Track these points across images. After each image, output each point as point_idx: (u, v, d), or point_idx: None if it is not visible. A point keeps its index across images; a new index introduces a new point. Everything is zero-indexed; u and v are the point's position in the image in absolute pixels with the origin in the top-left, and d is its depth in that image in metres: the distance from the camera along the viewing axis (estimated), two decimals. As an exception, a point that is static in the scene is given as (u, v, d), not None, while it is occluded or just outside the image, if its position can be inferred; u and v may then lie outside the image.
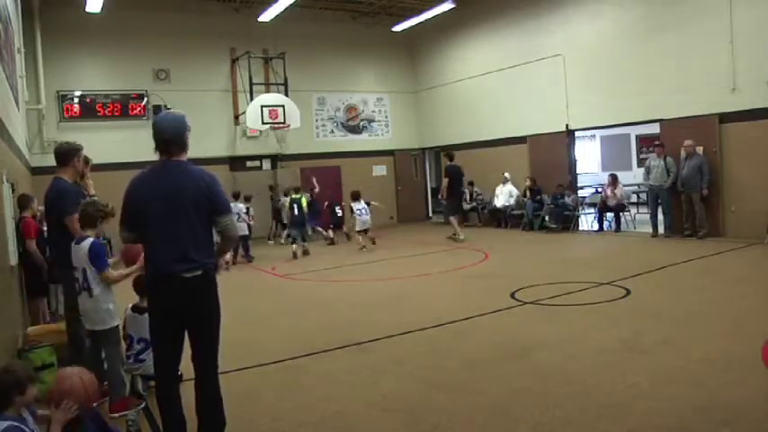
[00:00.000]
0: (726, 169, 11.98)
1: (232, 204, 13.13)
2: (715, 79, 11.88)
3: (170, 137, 3.79)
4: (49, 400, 3.49)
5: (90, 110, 15.61)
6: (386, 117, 20.46)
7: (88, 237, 4.77)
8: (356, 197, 14.32)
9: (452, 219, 14.51)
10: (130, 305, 5.24)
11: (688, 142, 12.16)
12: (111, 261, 4.92)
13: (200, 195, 3.75)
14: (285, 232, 15.30)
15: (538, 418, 4.28)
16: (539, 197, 15.58)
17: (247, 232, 13.19)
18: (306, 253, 13.60)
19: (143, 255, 4.63)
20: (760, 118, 11.25)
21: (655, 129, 13.75)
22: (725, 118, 11.85)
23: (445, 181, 14.48)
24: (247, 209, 13.78)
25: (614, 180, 14.58)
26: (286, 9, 16.05)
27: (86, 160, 5.63)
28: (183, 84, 16.52)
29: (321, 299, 9.11)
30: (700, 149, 12.14)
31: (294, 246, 13.53)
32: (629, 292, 7.94)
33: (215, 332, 3.90)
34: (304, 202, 13.97)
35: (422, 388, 5.03)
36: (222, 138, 17.29)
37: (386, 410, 4.61)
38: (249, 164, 18.01)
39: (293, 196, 14.11)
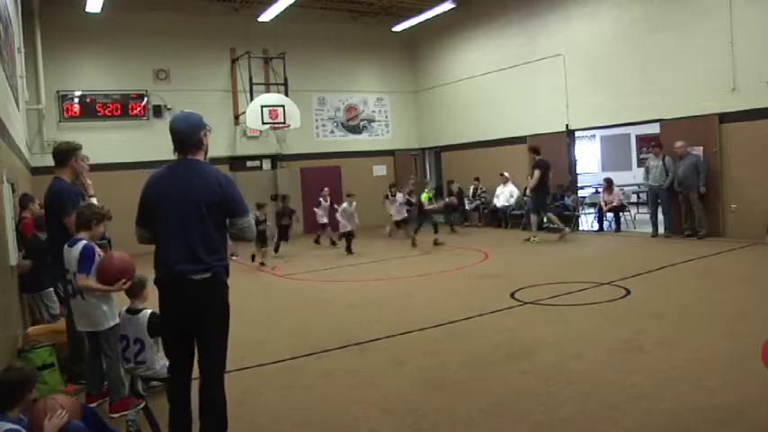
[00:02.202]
0: (726, 169, 11.98)
1: (345, 205, 13.52)
2: (715, 79, 11.88)
3: (182, 136, 3.80)
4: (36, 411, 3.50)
5: (90, 110, 15.60)
6: (386, 117, 20.46)
7: (81, 240, 4.74)
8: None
9: (535, 218, 13.91)
10: (125, 308, 5.23)
11: (679, 144, 12.20)
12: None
13: (212, 196, 3.71)
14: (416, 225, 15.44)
15: (538, 418, 4.29)
16: (539, 196, 15.56)
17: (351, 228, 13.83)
18: (437, 243, 13.82)
19: (120, 282, 4.67)
20: (760, 118, 11.25)
21: (655, 128, 13.75)
22: (725, 118, 11.85)
23: (536, 173, 13.54)
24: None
25: (609, 185, 14.61)
26: (286, 9, 16.05)
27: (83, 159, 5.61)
28: (183, 84, 16.51)
29: (321, 299, 9.11)
30: (699, 149, 12.16)
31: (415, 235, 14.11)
32: (629, 292, 7.95)
33: (221, 336, 3.85)
34: (425, 198, 14.79)
35: (422, 388, 5.03)
36: (222, 138, 17.26)
37: (386, 410, 4.61)
38: (249, 164, 18.00)
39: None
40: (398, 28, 18.95)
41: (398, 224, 15.36)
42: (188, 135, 3.80)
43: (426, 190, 15.03)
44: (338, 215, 13.99)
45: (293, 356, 6.07)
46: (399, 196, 15.39)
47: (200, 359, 3.84)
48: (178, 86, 16.41)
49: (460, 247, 13.03)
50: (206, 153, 3.93)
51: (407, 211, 15.08)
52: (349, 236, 13.62)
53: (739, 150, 11.71)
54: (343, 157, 19.09)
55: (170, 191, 3.73)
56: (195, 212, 3.68)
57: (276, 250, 13.43)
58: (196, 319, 3.75)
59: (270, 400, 4.99)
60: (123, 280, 4.71)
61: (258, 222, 11.87)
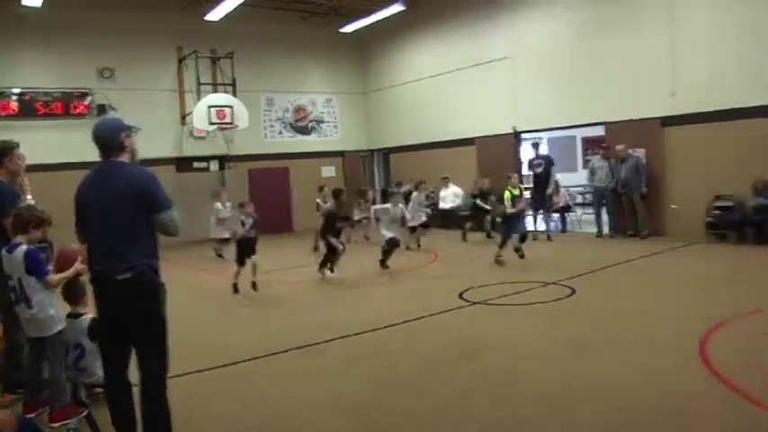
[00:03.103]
0: (668, 171, 12.35)
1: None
2: (657, 84, 12.25)
3: (104, 141, 3.84)
4: None
5: (29, 108, 15.06)
6: (335, 118, 20.40)
7: (21, 244, 4.54)
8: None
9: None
10: (65, 313, 5.05)
11: (620, 147, 12.56)
12: (51, 266, 4.71)
13: (134, 194, 3.72)
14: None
15: (488, 417, 4.32)
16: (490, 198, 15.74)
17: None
18: (521, 255, 10.82)
19: (79, 258, 4.62)
20: (699, 122, 11.64)
21: (600, 131, 14.08)
22: (666, 122, 12.23)
23: (554, 173, 13.75)
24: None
25: (556, 186, 14.88)
26: (235, 8, 15.84)
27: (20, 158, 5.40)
28: (128, 83, 16.12)
29: (271, 300, 8.98)
30: (641, 152, 12.52)
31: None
32: (574, 291, 8.09)
33: (154, 338, 3.79)
34: (508, 197, 10.95)
35: (374, 388, 5.03)
36: (169, 138, 16.95)
37: (339, 411, 4.58)
38: (196, 164, 17.73)
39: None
40: (348, 29, 18.91)
41: (413, 230, 13.01)
42: (109, 139, 3.83)
43: (510, 187, 11.09)
44: (377, 215, 11.85)
45: (243, 359, 5.96)
46: (416, 195, 13.48)
47: (138, 364, 3.79)
48: (123, 85, 16.02)
49: (412, 249, 13.05)
50: (133, 154, 3.95)
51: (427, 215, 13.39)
52: (395, 244, 11.07)
53: (680, 153, 12.10)
54: (292, 158, 18.96)
55: (94, 193, 3.79)
56: (117, 213, 3.71)
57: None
58: (122, 319, 3.74)
59: (218, 405, 4.89)
60: (80, 258, 4.62)
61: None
